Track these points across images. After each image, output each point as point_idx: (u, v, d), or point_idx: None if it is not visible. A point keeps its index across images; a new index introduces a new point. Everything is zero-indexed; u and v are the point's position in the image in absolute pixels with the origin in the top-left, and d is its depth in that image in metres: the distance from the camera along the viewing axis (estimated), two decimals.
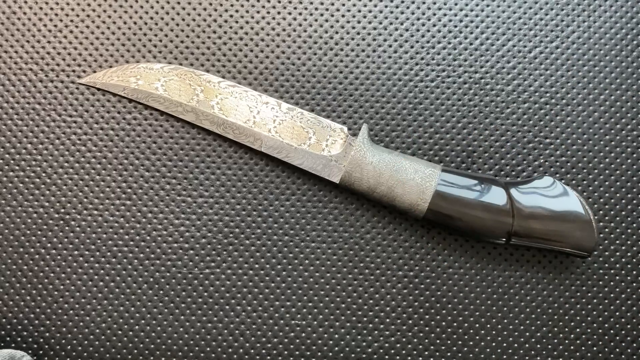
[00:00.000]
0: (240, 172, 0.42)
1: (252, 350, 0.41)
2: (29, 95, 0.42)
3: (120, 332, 0.41)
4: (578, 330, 0.41)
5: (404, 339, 0.41)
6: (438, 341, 0.41)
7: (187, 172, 0.42)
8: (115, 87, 0.42)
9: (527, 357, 0.41)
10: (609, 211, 0.41)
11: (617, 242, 0.41)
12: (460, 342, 0.41)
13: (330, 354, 0.41)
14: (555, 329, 0.41)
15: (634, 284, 0.41)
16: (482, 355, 0.41)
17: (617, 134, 0.42)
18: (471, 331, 0.41)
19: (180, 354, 0.41)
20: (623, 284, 0.41)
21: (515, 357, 0.41)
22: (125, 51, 0.43)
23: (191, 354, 0.41)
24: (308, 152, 0.40)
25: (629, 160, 0.42)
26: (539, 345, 0.41)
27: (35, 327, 0.41)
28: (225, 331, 0.41)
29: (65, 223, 0.42)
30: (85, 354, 0.41)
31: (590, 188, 0.42)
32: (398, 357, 0.41)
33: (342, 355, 0.41)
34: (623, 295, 0.41)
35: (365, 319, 0.41)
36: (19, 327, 0.41)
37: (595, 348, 0.41)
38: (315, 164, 0.40)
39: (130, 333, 0.41)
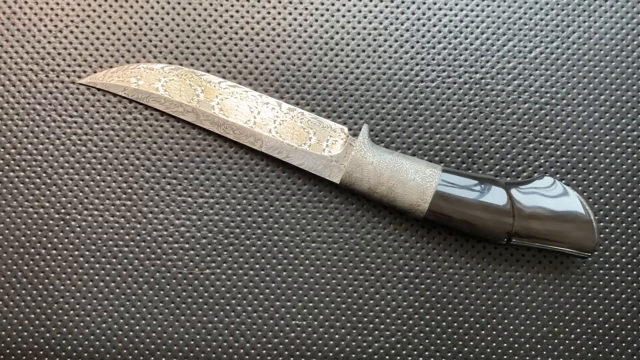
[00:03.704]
0: (241, 173, 0.42)
1: (252, 350, 0.41)
2: (29, 95, 0.42)
3: (120, 332, 0.41)
4: (578, 330, 0.41)
5: (404, 339, 0.41)
6: (438, 341, 0.41)
7: (187, 172, 0.42)
8: (115, 87, 0.42)
9: (527, 357, 0.41)
10: (609, 211, 0.42)
11: (617, 242, 0.41)
12: (460, 342, 0.41)
13: (331, 354, 0.41)
14: (556, 329, 0.41)
15: (634, 284, 0.41)
16: (482, 355, 0.41)
17: (617, 134, 0.42)
18: (471, 331, 0.41)
19: (180, 354, 0.41)
20: (623, 284, 0.41)
21: (516, 357, 0.41)
22: (125, 51, 0.43)
23: (191, 354, 0.41)
24: (308, 153, 0.40)
25: (629, 160, 0.42)
26: (539, 345, 0.41)
27: (35, 327, 0.41)
28: (226, 331, 0.41)
29: (65, 223, 0.42)
30: (85, 354, 0.41)
31: (591, 188, 0.42)
32: (398, 357, 0.41)
33: (342, 355, 0.41)
34: (623, 295, 0.41)
35: (365, 319, 0.41)
36: (19, 327, 0.41)
37: (595, 348, 0.41)
38: (315, 165, 0.40)
39: (131, 333, 0.41)
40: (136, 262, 0.41)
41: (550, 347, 0.41)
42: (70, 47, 0.43)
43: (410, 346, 0.41)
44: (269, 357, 0.41)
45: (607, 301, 0.41)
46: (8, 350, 0.41)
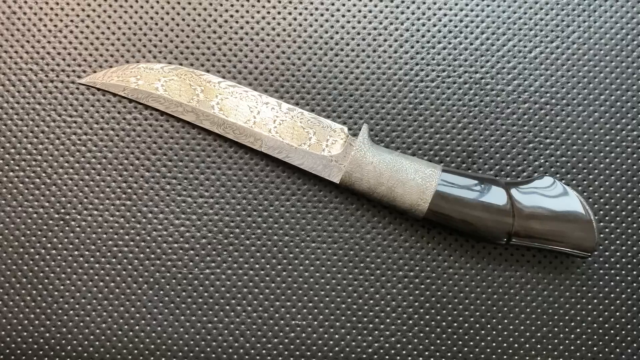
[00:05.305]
0: (241, 172, 0.42)
1: (252, 350, 0.41)
2: (29, 95, 0.42)
3: (120, 332, 0.41)
4: (578, 330, 0.41)
5: (404, 339, 0.41)
6: (438, 341, 0.41)
7: (187, 172, 0.42)
8: (115, 87, 0.42)
9: (527, 357, 0.41)
10: (609, 211, 0.42)
11: (617, 242, 0.41)
12: (460, 342, 0.41)
13: (330, 354, 0.41)
14: (555, 329, 0.41)
15: (634, 284, 0.41)
16: (482, 355, 0.41)
17: (617, 134, 0.42)
18: (471, 331, 0.41)
19: (180, 354, 0.41)
20: (623, 284, 0.41)
21: (516, 357, 0.41)
22: (125, 51, 0.43)
23: (191, 354, 0.41)
24: (308, 153, 0.40)
25: (629, 160, 0.42)
26: (539, 345, 0.41)
27: (35, 327, 0.41)
28: (225, 331, 0.41)
29: (65, 223, 0.42)
30: (85, 354, 0.41)
31: (590, 188, 0.42)
32: (398, 357, 0.41)
33: (342, 355, 0.41)
34: (623, 295, 0.41)
35: (365, 319, 0.41)
36: (19, 327, 0.41)
37: (595, 348, 0.41)
38: (315, 164, 0.40)
39: (130, 333, 0.41)
40: (136, 262, 0.41)
41: (550, 347, 0.41)
42: (70, 47, 0.43)
43: (410, 346, 0.41)
44: (269, 357, 0.41)
45: (607, 301, 0.41)
46: (8, 350, 0.41)
